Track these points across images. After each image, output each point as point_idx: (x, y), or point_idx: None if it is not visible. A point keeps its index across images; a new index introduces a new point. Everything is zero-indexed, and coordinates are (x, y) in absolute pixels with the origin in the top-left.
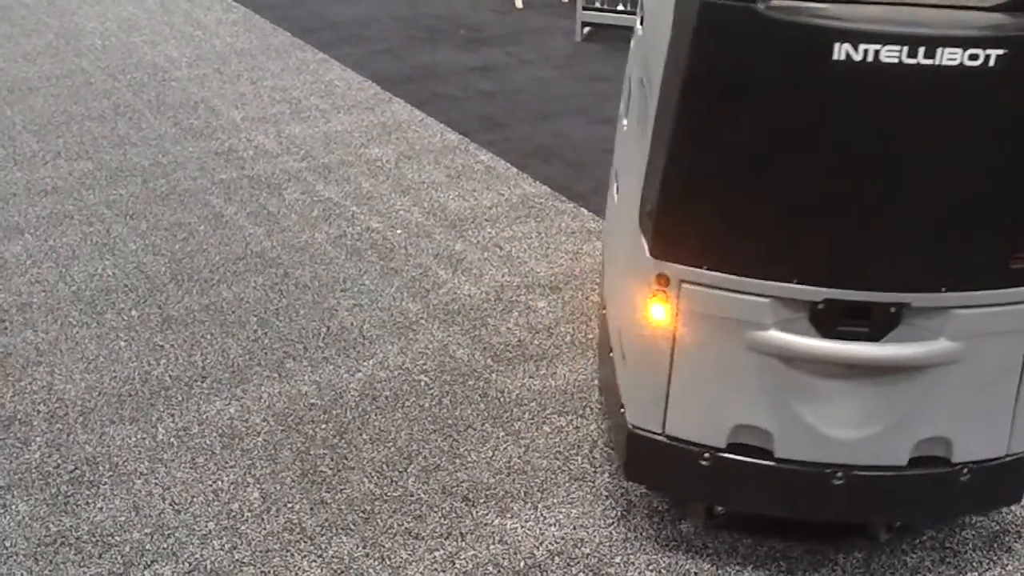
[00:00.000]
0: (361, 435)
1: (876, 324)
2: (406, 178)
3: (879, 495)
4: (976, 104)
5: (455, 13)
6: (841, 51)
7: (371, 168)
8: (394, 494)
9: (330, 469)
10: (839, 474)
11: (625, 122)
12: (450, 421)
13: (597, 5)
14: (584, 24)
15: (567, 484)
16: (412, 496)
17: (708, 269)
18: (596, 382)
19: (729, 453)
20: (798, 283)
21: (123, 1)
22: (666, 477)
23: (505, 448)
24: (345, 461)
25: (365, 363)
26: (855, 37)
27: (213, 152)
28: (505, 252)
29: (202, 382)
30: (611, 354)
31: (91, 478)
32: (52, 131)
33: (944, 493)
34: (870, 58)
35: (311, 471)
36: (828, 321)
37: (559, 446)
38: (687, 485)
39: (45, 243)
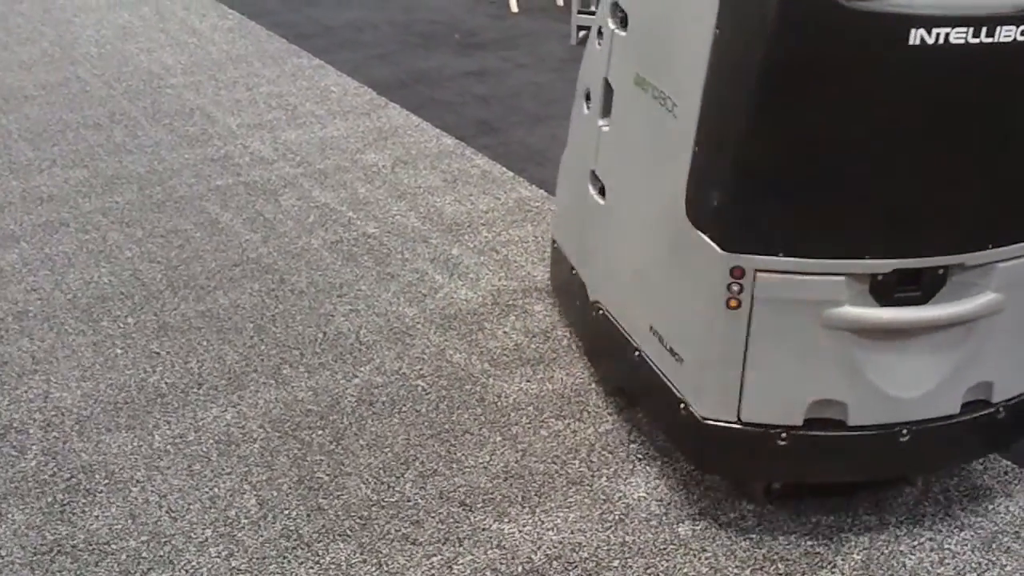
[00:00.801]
0: (358, 441)
1: (926, 287)
2: (402, 183)
3: (938, 445)
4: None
5: (450, 18)
6: (916, 36)
7: (367, 173)
8: (391, 500)
9: (327, 475)
10: (904, 432)
11: (603, 123)
12: (447, 426)
13: (592, 9)
14: (579, 28)
15: (564, 488)
16: (409, 502)
17: (785, 255)
18: (594, 385)
19: (806, 429)
20: (869, 258)
21: (119, 9)
22: (742, 462)
23: (502, 453)
24: (342, 467)
25: (362, 369)
26: (929, 22)
27: (209, 159)
28: (502, 256)
29: (198, 389)
30: (637, 355)
31: (87, 486)
32: (48, 139)
33: (986, 432)
34: (941, 40)
35: (308, 477)
36: (887, 290)
37: (556, 450)
38: (764, 466)
39: (41, 251)
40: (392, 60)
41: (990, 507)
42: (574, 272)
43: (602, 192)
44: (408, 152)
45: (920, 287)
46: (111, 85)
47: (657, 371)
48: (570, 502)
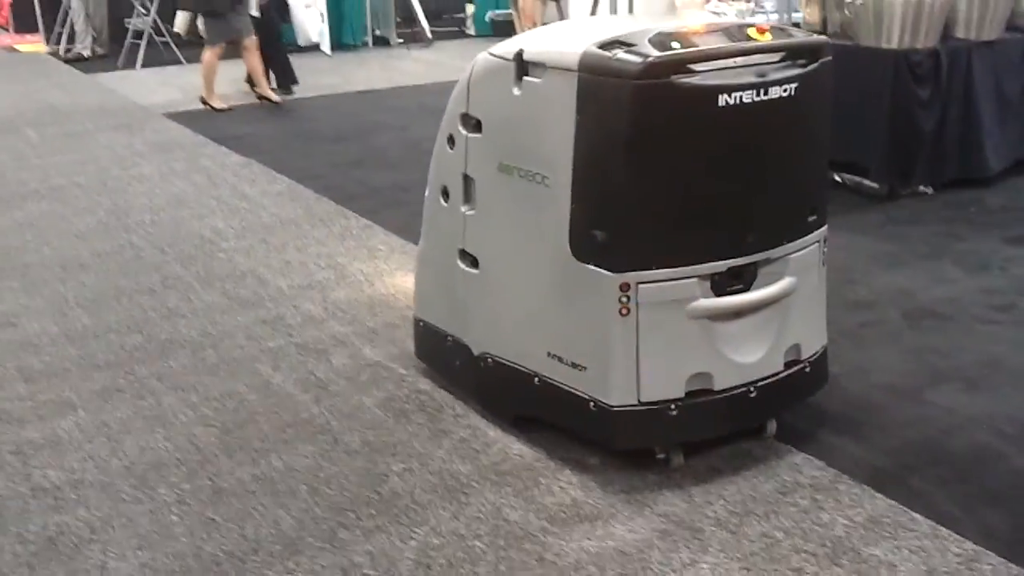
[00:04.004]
0: None
1: (746, 280)
2: None
3: (773, 397)
4: (788, 117)
5: None
6: (723, 99)
7: None
8: None
9: None
10: (751, 390)
11: (466, 209)
12: None
13: None
14: None
15: None
16: None
17: (656, 268)
18: (656, 540)
19: (688, 399)
20: (711, 261)
21: (172, 178)
22: (646, 435)
23: None
24: None
25: (418, 530)
26: (730, 89)
27: (261, 320)
28: None
29: (255, 555)
30: (538, 380)
31: None
32: (104, 306)
33: (800, 384)
34: (737, 101)
35: None
36: (721, 285)
37: None
38: (662, 434)
39: (97, 418)
40: None
41: None
42: (450, 339)
43: (474, 264)
44: None
45: (742, 280)
46: (164, 251)
47: (562, 385)
48: None
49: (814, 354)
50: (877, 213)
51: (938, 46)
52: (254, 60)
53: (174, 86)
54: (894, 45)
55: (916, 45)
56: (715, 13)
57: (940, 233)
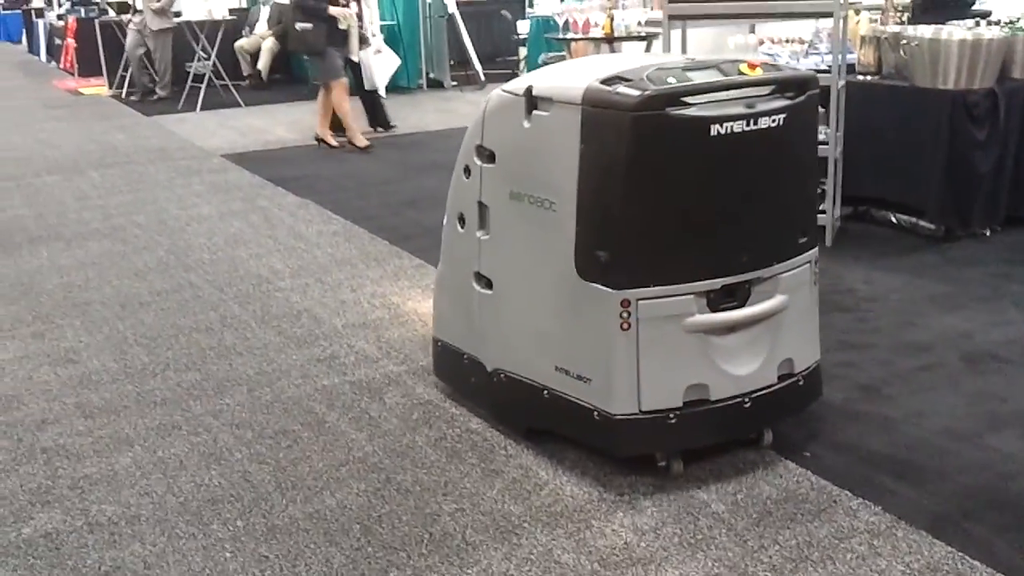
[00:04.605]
0: None
1: (740, 297)
2: None
3: (767, 408)
4: (777, 145)
5: None
6: (714, 129)
7: None
8: None
9: None
10: (746, 400)
11: (481, 234)
12: None
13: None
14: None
15: None
16: None
17: (654, 286)
18: None
19: (686, 409)
20: (706, 279)
21: (229, 218)
22: (646, 442)
23: None
24: None
25: (469, 570)
26: (721, 120)
27: (315, 359)
28: None
29: None
30: (547, 394)
31: None
32: (162, 344)
33: (794, 395)
34: (728, 130)
35: None
36: (716, 302)
37: None
38: (661, 441)
39: (154, 454)
40: None
41: None
42: (466, 357)
43: (489, 285)
44: None
45: (736, 298)
46: (222, 290)
47: (568, 397)
48: None
49: (807, 368)
50: (933, 254)
51: (995, 87)
52: (328, 102)
53: (233, 128)
54: (950, 86)
55: (973, 86)
56: (768, 55)
57: (999, 274)
